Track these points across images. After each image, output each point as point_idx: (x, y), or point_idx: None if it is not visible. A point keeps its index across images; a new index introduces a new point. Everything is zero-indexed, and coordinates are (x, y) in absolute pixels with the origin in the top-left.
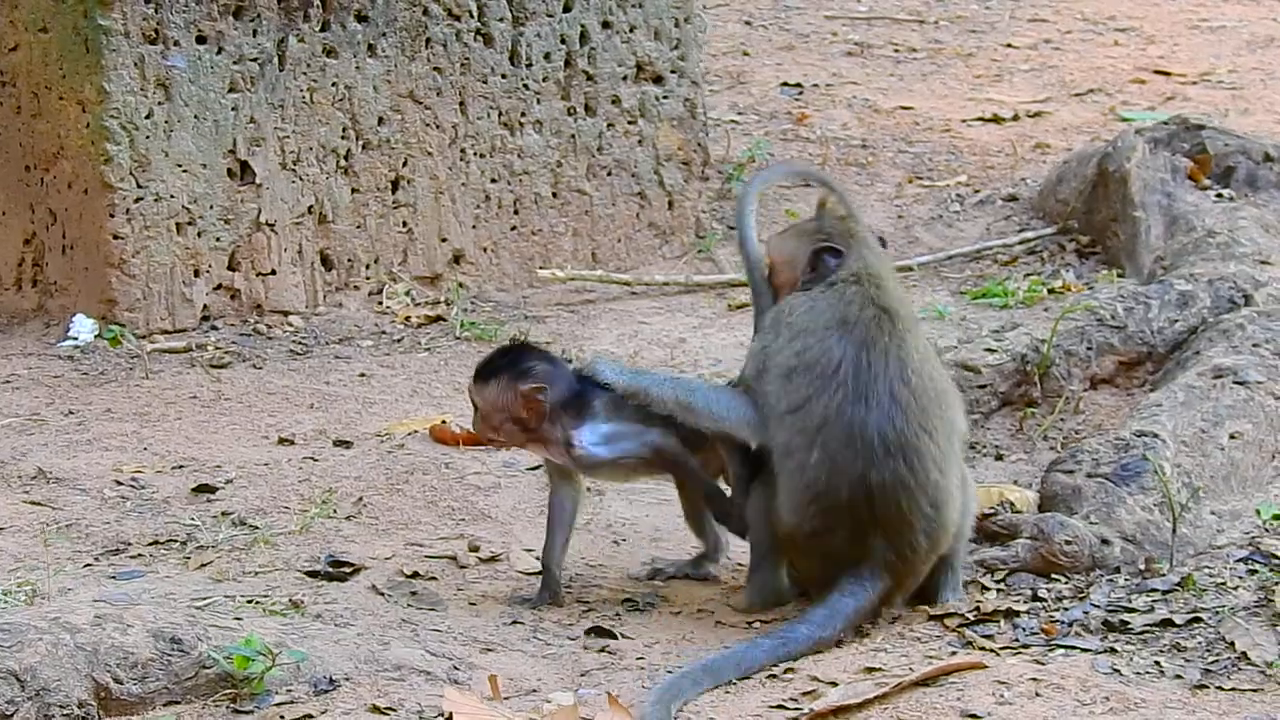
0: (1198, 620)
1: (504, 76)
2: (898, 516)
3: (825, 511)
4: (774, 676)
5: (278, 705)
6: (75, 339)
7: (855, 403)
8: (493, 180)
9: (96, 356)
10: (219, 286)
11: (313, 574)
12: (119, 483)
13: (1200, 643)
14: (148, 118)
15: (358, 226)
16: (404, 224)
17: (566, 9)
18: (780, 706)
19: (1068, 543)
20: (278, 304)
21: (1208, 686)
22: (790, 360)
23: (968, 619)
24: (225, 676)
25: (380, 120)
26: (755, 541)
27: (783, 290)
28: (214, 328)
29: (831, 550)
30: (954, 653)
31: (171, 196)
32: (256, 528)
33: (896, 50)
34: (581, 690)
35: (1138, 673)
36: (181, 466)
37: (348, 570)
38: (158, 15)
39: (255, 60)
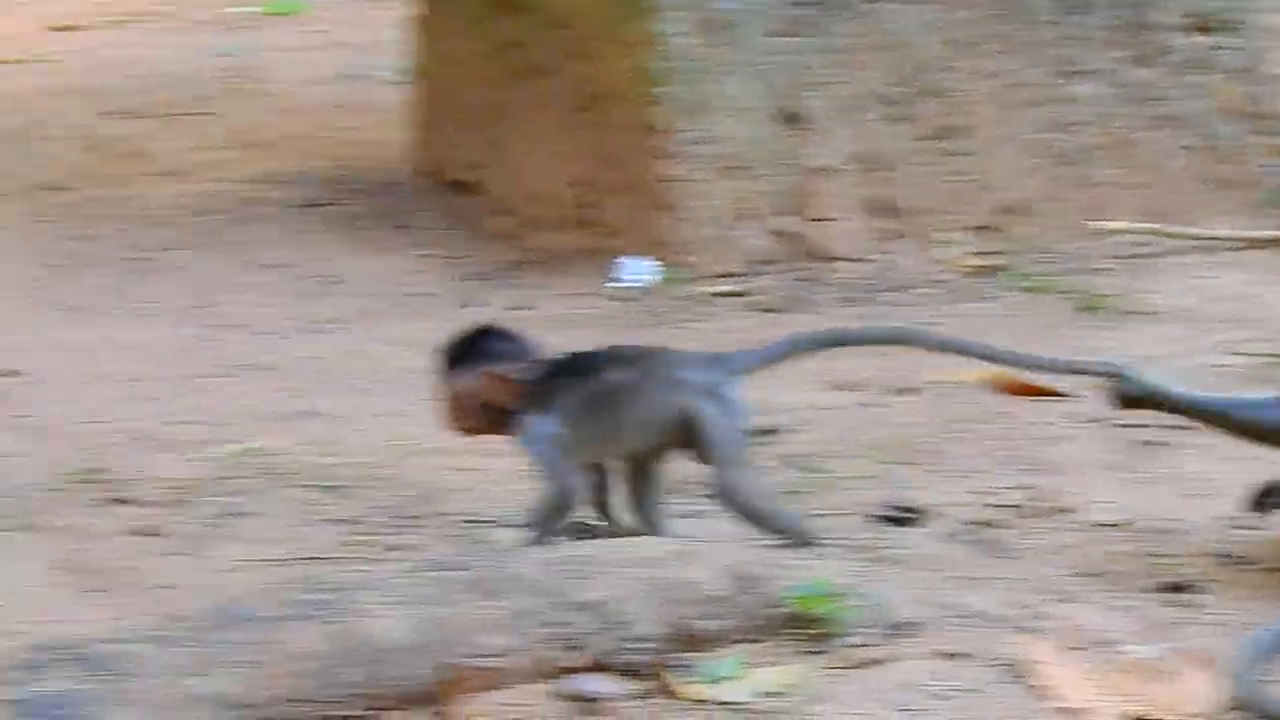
0: None
1: (1058, 25)
2: None
3: None
4: None
5: (848, 647)
6: (628, 280)
7: None
8: (1047, 130)
9: (649, 298)
10: (771, 231)
11: (879, 518)
12: None
13: None
14: (698, 61)
15: (910, 174)
16: (957, 173)
17: None
18: None
19: None
20: (830, 250)
21: None
22: None
23: None
24: (796, 616)
25: (932, 68)
26: None
27: None
28: (767, 272)
29: None
30: None
31: (724, 140)
32: (823, 471)
33: None
34: (1158, 644)
35: None
36: None
37: (913, 516)
38: None
39: (808, 3)
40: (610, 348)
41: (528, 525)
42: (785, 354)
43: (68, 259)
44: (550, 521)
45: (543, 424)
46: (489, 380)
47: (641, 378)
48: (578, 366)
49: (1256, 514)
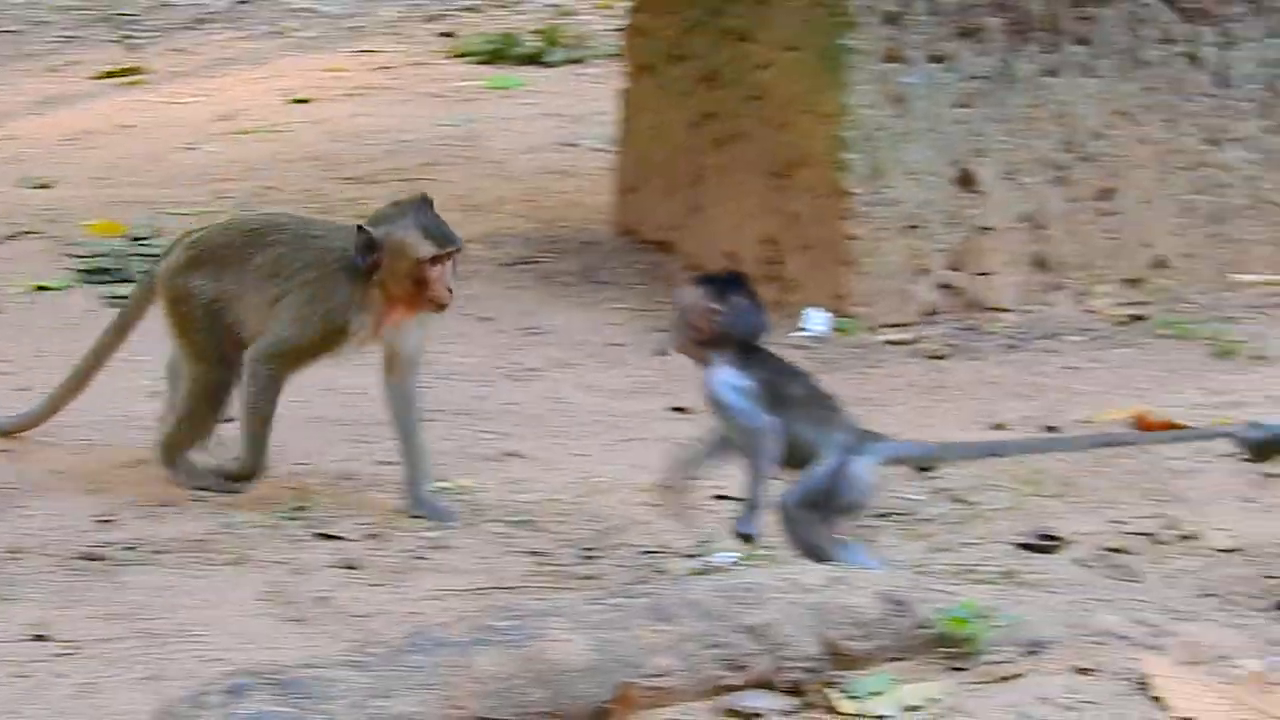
0: None
1: (1210, 96)
2: None
3: None
4: None
5: (990, 664)
6: (809, 329)
7: None
8: (1195, 192)
9: (828, 346)
10: (941, 285)
11: (1023, 546)
12: None
13: None
14: (882, 130)
15: (1069, 232)
16: (1111, 230)
17: (1273, 35)
18: None
19: None
20: (994, 301)
21: None
22: None
23: None
24: (943, 636)
25: (1094, 135)
26: None
27: None
28: (935, 322)
29: None
30: None
31: (902, 202)
32: (972, 503)
33: None
34: (1271, 659)
35: None
36: None
37: (1054, 543)
38: (897, 36)
39: (983, 78)
40: (808, 373)
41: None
42: (932, 456)
43: None
44: (765, 462)
45: (733, 376)
46: (702, 310)
47: (811, 404)
48: (777, 360)
49: None
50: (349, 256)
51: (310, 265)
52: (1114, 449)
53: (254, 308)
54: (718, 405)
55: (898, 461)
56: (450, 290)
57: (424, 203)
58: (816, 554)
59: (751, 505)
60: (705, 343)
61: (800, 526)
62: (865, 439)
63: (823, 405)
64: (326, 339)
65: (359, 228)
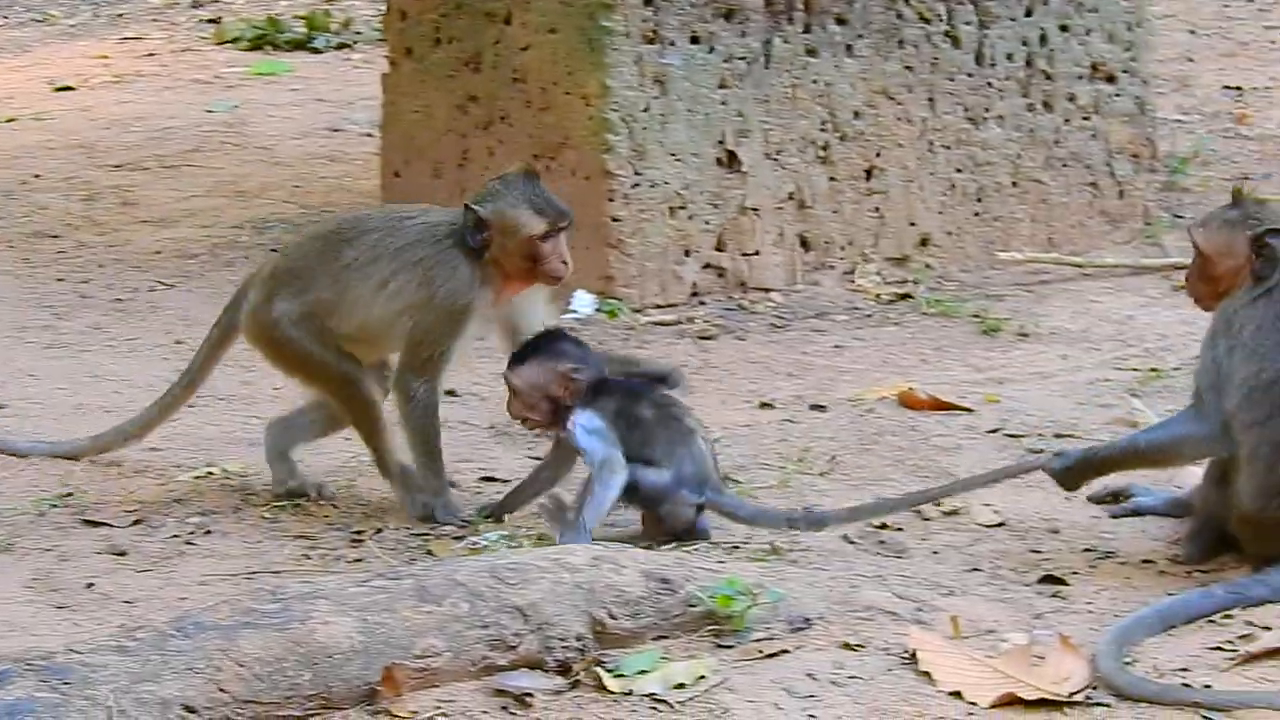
0: None
1: (969, 75)
2: None
3: None
4: (1212, 621)
5: (756, 641)
6: (575, 311)
7: None
8: (957, 170)
9: (595, 328)
10: (707, 265)
11: (790, 523)
12: None
13: None
14: (645, 111)
15: (834, 211)
16: (876, 209)
17: (1028, 13)
18: (1217, 648)
19: None
20: (760, 281)
21: None
22: (1250, 380)
23: None
24: (709, 614)
25: (855, 114)
26: (1200, 507)
27: (1223, 281)
28: (702, 303)
29: None
30: None
31: (665, 183)
32: (739, 482)
33: None
34: (1035, 631)
35: None
36: None
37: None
38: (656, 17)
39: (743, 59)
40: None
41: (579, 511)
42: (770, 519)
43: (58, 300)
44: (609, 498)
45: (588, 419)
46: (559, 376)
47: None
48: (622, 386)
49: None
50: (455, 232)
51: (416, 243)
52: (879, 431)
53: (361, 300)
54: (579, 448)
55: (724, 513)
56: (566, 263)
57: (529, 177)
58: (687, 533)
59: (578, 530)
60: (567, 405)
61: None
62: (705, 479)
63: (665, 427)
64: (453, 320)
65: (466, 206)
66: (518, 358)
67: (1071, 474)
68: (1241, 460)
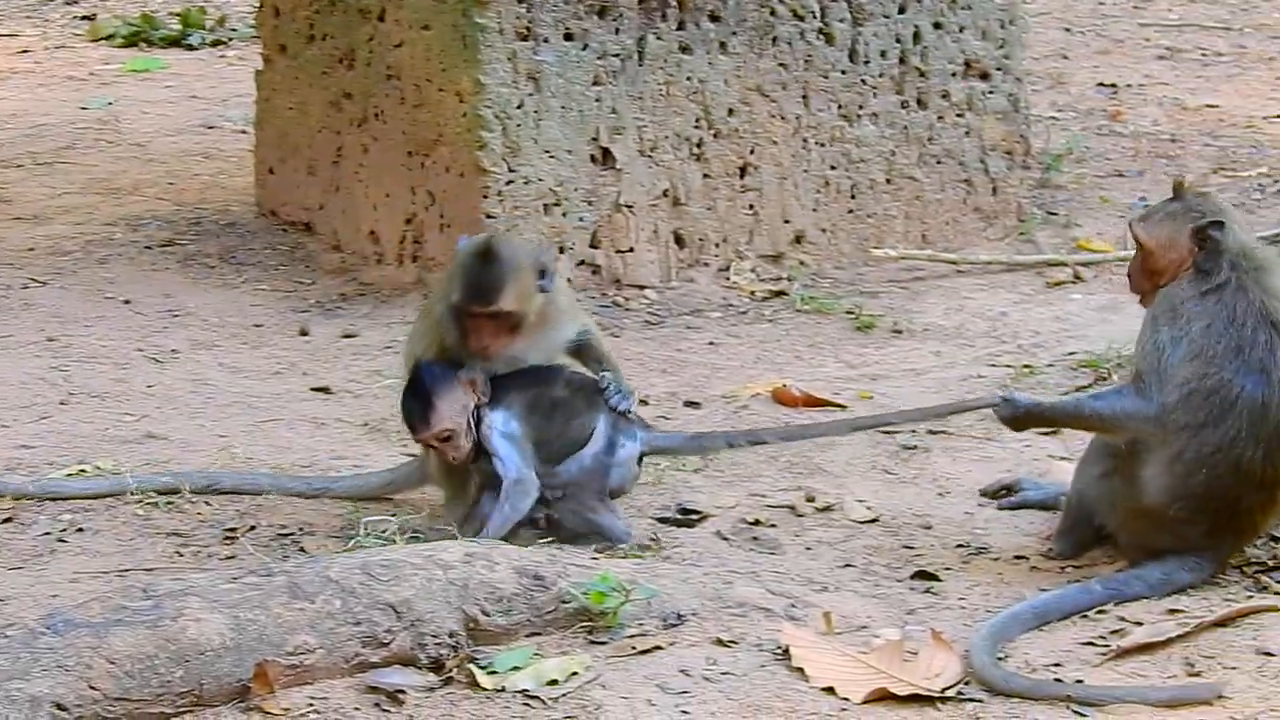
0: None
1: (843, 72)
2: (1263, 532)
3: (1194, 512)
4: (1085, 616)
5: (630, 637)
6: None
7: (1249, 441)
8: (832, 167)
9: None
10: (582, 263)
11: (663, 520)
12: None
13: None
14: (519, 108)
15: (708, 208)
16: (750, 206)
17: (902, 10)
18: (1089, 643)
19: None
20: (635, 279)
21: None
22: (1192, 381)
23: (1266, 566)
24: (582, 610)
25: (730, 111)
26: (1073, 503)
27: (1165, 274)
28: (577, 300)
29: (1186, 536)
30: (1250, 596)
31: (540, 180)
32: None
33: (1204, 55)
34: (908, 627)
35: None
36: None
37: (695, 517)
38: (529, 14)
39: (617, 56)
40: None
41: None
42: (690, 446)
43: None
44: (517, 513)
45: (500, 421)
46: (461, 388)
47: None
48: (525, 378)
49: (995, 502)
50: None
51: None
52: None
53: None
54: (493, 452)
55: (659, 451)
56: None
57: (483, 254)
58: (598, 532)
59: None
60: (480, 406)
61: (581, 507)
62: (628, 427)
63: (584, 398)
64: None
65: None
66: (423, 412)
67: (1017, 421)
68: (1162, 458)
